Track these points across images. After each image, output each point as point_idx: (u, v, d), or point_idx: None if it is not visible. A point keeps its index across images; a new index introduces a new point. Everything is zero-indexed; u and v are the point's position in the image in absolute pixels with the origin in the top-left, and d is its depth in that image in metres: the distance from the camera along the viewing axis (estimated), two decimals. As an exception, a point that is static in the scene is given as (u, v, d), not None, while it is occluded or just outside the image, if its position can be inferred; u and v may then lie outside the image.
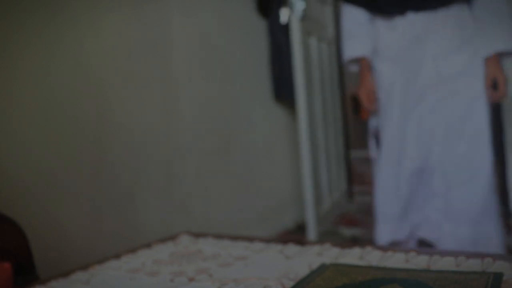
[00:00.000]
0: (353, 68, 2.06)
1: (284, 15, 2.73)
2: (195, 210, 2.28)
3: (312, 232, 2.31)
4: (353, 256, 0.74)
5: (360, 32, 1.93)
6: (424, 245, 1.83)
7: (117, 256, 0.86)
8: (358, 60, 1.98)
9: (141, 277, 0.75)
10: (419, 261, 0.69)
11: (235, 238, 0.88)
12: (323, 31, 2.86)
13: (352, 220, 2.84)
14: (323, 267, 0.70)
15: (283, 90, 2.83)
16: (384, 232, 1.87)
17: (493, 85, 1.75)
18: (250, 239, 0.87)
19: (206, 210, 2.34)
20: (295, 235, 2.73)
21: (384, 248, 0.75)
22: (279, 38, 2.79)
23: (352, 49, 1.95)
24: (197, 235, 0.93)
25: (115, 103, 1.92)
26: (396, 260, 0.71)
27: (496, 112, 2.49)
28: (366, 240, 2.38)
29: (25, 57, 1.60)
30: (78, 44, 1.77)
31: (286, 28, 2.67)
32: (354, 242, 2.42)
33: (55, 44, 1.69)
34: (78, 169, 1.74)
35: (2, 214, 0.97)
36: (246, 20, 2.74)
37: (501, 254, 0.68)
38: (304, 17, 2.42)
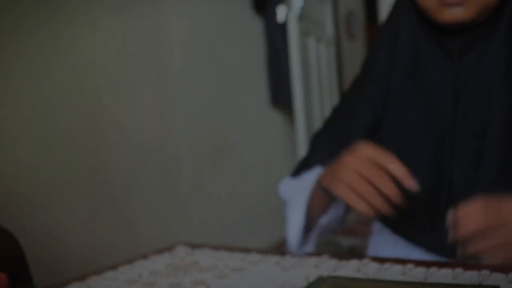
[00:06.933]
0: None
1: (281, 13, 2.63)
2: (192, 217, 2.27)
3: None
4: (350, 269, 0.74)
5: None
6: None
7: (114, 267, 0.85)
8: None
9: (137, 289, 0.74)
10: (416, 273, 0.69)
11: (231, 249, 0.88)
12: (322, 31, 2.79)
13: (350, 229, 2.82)
14: (320, 280, 0.70)
15: (280, 94, 2.78)
16: None
17: None
18: (247, 250, 0.87)
19: (202, 218, 2.33)
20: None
21: (381, 260, 0.75)
22: (276, 39, 2.72)
23: None
24: (194, 246, 0.92)
25: (110, 109, 1.92)
26: (393, 273, 0.71)
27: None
28: (364, 250, 2.36)
29: (20, 60, 1.60)
30: (73, 45, 1.77)
31: (283, 28, 2.60)
32: (352, 252, 2.40)
33: (50, 46, 1.69)
34: (73, 177, 1.74)
35: (-4, 224, 0.97)
36: (243, 19, 2.69)
37: (498, 266, 0.68)
38: (302, 16, 2.35)
